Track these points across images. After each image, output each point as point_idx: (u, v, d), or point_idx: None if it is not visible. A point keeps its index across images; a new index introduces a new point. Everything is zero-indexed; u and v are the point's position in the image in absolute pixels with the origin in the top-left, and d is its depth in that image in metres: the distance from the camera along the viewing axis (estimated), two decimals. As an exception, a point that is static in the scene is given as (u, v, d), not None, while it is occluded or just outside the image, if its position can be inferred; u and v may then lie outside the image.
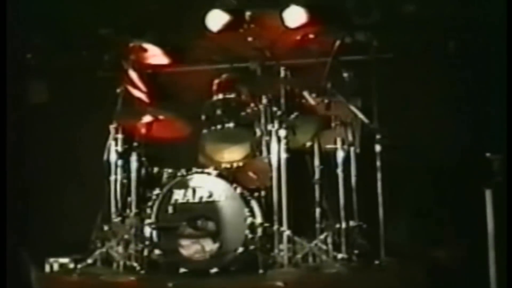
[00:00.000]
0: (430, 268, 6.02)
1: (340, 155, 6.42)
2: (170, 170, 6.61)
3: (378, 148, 6.40)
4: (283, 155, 6.30)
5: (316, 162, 6.63)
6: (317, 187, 6.56)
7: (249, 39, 7.00)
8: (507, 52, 5.84)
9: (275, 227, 6.18)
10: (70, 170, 7.50)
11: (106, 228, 6.49)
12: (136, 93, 6.96)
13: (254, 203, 6.36)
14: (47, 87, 7.99)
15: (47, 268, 6.62)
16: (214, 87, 6.92)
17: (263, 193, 6.48)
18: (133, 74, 6.92)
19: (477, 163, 5.93)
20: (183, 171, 6.48)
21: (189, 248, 6.26)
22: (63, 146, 7.55)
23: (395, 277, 5.95)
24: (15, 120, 7.58)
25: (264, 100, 6.58)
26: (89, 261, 6.31)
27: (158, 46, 7.02)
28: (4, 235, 6.25)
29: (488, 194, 5.54)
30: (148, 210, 6.41)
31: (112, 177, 6.63)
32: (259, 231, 6.26)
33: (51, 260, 6.63)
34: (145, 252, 6.34)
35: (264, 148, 6.60)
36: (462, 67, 7.13)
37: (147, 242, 6.35)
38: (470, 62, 7.07)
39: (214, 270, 6.19)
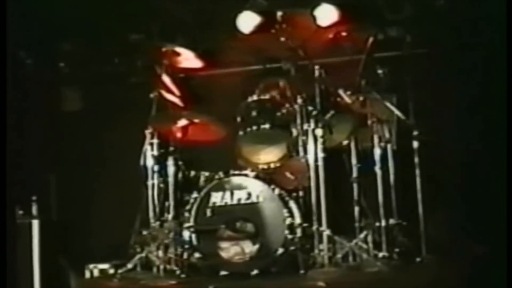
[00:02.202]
0: (471, 264, 5.97)
1: (377, 152, 6.38)
2: (207, 173, 6.61)
3: (415, 144, 6.37)
4: (320, 155, 6.26)
5: (354, 160, 6.59)
6: (355, 186, 6.51)
7: (282, 39, 6.93)
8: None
9: (315, 227, 6.14)
10: (108, 177, 7.53)
11: (145, 233, 6.49)
12: (170, 97, 6.95)
13: (292, 204, 6.33)
14: (81, 95, 8.04)
15: (87, 274, 6.69)
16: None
17: (301, 193, 6.45)
18: (166, 79, 6.91)
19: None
20: (220, 174, 6.47)
21: (228, 250, 6.24)
22: (100, 153, 7.59)
23: (437, 274, 5.89)
24: (51, 129, 7.66)
25: (299, 100, 6.53)
26: (129, 266, 6.31)
27: (191, 50, 7.01)
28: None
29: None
30: (187, 214, 6.40)
31: (150, 182, 6.63)
32: (299, 231, 6.23)
33: (91, 266, 6.69)
34: (185, 256, 6.34)
35: (300, 148, 6.55)
36: (497, 59, 7.03)
37: (186, 246, 6.34)
38: (505, 54, 6.97)
39: (254, 272, 6.16)
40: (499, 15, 6.90)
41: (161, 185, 6.64)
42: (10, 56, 5.99)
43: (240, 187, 6.36)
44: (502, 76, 6.82)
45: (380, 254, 6.16)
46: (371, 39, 6.56)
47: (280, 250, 6.18)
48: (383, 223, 6.25)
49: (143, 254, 6.35)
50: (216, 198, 6.38)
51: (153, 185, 6.63)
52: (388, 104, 6.41)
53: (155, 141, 6.67)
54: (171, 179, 6.53)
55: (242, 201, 6.33)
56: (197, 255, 6.32)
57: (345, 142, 6.66)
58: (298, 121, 6.55)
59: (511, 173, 6.04)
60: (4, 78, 5.96)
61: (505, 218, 6.32)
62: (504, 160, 6.55)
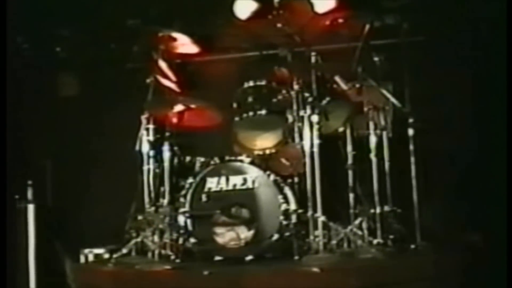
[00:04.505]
0: (465, 251, 5.99)
1: (372, 140, 6.36)
2: (202, 159, 6.61)
3: (411, 132, 6.37)
4: (316, 141, 6.25)
5: (349, 147, 6.60)
6: (350, 173, 6.52)
7: (278, 25, 6.94)
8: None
9: (310, 213, 6.14)
10: (103, 161, 7.52)
11: (140, 218, 6.50)
12: (167, 82, 6.95)
13: (287, 190, 6.33)
14: (77, 79, 8.03)
15: (82, 259, 6.70)
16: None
17: (296, 179, 6.46)
18: (163, 64, 6.91)
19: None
20: (216, 159, 6.47)
21: (223, 236, 6.25)
22: (95, 138, 7.58)
23: (431, 261, 5.90)
24: (47, 113, 7.65)
25: (296, 86, 6.55)
26: (124, 251, 6.31)
27: (187, 35, 7.00)
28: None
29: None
30: (182, 199, 6.40)
31: (145, 167, 6.64)
32: (294, 217, 6.23)
33: (86, 251, 6.70)
34: (180, 241, 6.34)
35: (296, 135, 6.57)
36: (493, 48, 7.03)
37: (181, 231, 6.35)
38: (501, 43, 6.96)
39: (249, 257, 6.17)
40: (497, 2, 6.91)
41: (157, 170, 6.64)
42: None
43: (235, 173, 6.36)
44: (499, 64, 6.83)
45: (375, 241, 6.15)
46: (367, 26, 6.53)
47: (275, 236, 6.19)
48: (378, 210, 6.23)
49: (139, 239, 6.34)
50: (212, 183, 6.38)
51: (148, 170, 6.64)
52: (384, 92, 6.39)
53: (151, 126, 6.67)
54: (166, 164, 6.52)
55: (238, 187, 6.33)
56: (192, 240, 6.32)
57: (340, 129, 6.66)
58: (294, 107, 6.56)
59: (507, 161, 6.07)
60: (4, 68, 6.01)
61: (500, 206, 6.36)
62: (499, 147, 6.58)
